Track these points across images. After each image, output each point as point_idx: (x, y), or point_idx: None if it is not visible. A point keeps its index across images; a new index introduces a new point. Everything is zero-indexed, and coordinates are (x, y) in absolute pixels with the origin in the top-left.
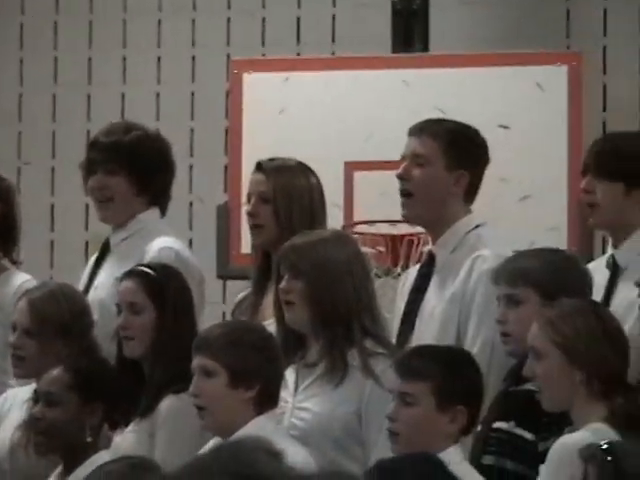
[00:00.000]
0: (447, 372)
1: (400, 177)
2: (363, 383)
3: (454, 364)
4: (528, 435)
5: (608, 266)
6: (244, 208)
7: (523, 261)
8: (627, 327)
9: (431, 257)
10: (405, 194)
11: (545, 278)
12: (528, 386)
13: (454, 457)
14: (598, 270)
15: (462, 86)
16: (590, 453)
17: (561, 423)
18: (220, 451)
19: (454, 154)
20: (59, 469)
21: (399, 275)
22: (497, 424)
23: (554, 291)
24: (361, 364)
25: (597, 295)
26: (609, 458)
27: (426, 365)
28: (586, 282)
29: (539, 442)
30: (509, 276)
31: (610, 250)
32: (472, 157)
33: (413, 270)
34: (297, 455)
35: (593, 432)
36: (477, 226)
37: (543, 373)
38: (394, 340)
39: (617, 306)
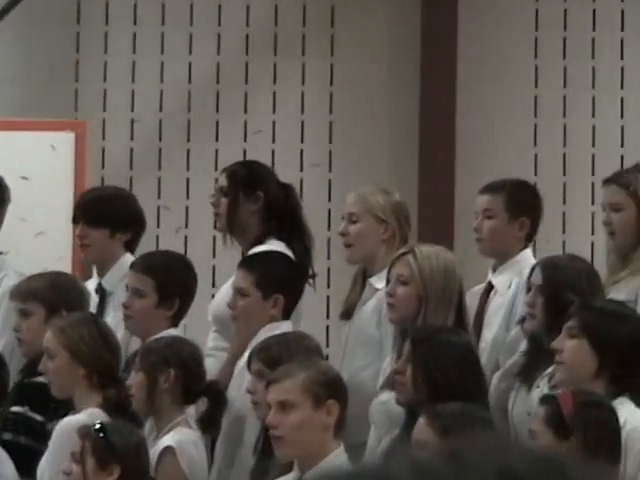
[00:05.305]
0: None
1: None
2: None
3: None
4: (39, 417)
5: (96, 291)
6: None
7: (32, 282)
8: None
9: None
10: None
11: (49, 294)
12: (40, 379)
13: None
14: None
15: None
16: (86, 431)
17: (66, 409)
18: None
19: None
20: None
21: None
22: (14, 408)
23: (57, 304)
24: None
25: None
26: (101, 435)
27: None
28: (84, 298)
29: (48, 422)
30: (20, 293)
31: (96, 279)
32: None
33: None
34: None
35: (89, 415)
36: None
37: (53, 368)
38: None
39: None
